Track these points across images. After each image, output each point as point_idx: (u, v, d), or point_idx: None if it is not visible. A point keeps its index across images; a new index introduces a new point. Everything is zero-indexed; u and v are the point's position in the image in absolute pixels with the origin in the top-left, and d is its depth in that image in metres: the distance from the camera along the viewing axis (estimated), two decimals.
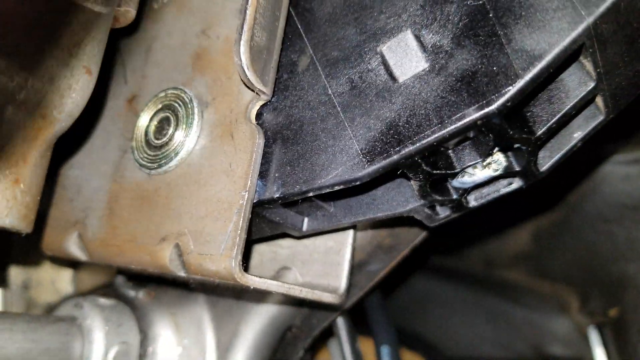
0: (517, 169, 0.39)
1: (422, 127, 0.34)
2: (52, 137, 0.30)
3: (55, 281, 0.68)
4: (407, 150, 0.34)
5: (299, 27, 0.41)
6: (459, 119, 0.33)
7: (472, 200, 0.42)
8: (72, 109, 0.29)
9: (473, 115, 0.33)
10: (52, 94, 0.28)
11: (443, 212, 0.43)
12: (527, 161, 0.38)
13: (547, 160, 0.41)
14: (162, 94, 0.44)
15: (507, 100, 0.32)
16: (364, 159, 0.36)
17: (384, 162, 0.35)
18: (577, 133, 0.40)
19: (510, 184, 0.41)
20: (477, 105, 0.33)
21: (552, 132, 0.38)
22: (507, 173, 0.39)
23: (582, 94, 0.36)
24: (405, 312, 0.90)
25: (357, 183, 0.36)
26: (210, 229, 0.37)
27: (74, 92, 0.28)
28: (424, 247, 0.57)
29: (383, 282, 0.57)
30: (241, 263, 0.36)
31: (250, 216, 0.37)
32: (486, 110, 0.32)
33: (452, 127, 0.33)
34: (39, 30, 0.26)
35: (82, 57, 0.28)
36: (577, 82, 0.37)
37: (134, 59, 0.49)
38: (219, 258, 0.36)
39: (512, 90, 0.32)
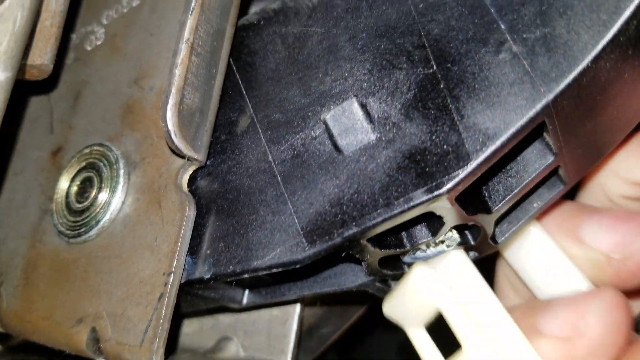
0: (472, 243, 0.36)
1: (368, 207, 0.31)
2: None
3: None
4: (351, 232, 0.31)
5: (240, 83, 0.38)
6: (407, 201, 0.30)
7: None
8: None
9: (421, 198, 0.29)
10: None
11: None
12: (482, 237, 0.35)
13: (504, 231, 0.38)
14: (87, 150, 0.39)
15: (458, 184, 0.29)
16: (304, 240, 0.32)
17: (326, 245, 0.31)
18: (536, 203, 0.37)
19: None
20: (425, 188, 0.29)
21: (510, 207, 0.35)
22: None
23: (541, 168, 0.33)
24: None
25: (297, 266, 0.32)
26: (130, 313, 0.33)
27: None
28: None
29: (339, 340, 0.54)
30: (163, 357, 0.32)
31: (175, 301, 0.32)
32: (435, 193, 0.29)
33: (399, 209, 0.30)
34: None
35: None
36: (537, 155, 0.34)
37: (62, 105, 0.44)
38: (139, 350, 0.32)
39: (462, 174, 0.29)
